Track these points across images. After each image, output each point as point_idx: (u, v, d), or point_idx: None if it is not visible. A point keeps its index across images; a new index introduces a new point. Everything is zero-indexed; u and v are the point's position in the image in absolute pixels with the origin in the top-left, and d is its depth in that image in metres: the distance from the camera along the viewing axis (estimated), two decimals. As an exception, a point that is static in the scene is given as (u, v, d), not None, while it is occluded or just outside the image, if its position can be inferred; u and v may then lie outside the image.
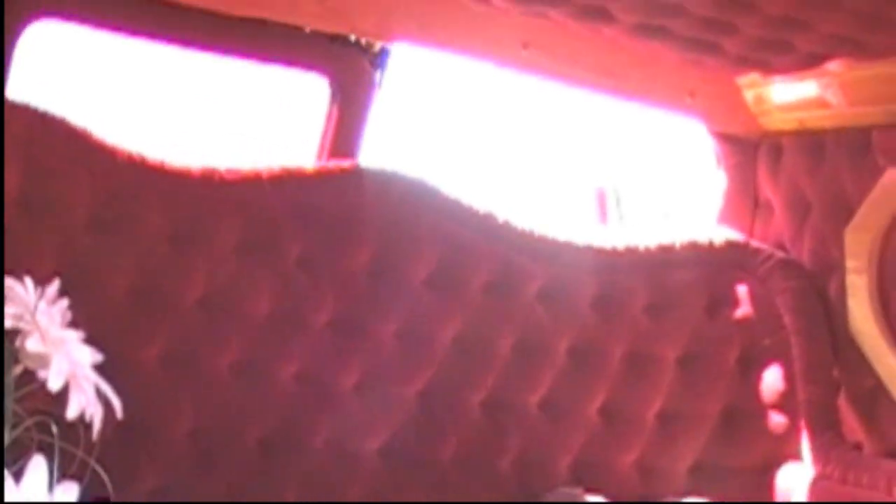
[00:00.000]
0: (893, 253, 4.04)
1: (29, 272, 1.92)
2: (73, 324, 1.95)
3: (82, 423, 1.86)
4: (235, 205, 3.68)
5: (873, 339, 4.07)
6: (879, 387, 4.06)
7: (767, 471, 4.15)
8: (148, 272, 3.56)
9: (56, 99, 3.45)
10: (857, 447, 4.09)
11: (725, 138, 4.41)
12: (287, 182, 3.74)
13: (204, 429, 3.59)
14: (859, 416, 4.12)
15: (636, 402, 4.15)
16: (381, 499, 3.81)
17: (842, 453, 4.02)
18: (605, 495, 3.95)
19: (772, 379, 4.20)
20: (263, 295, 3.68)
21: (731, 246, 4.26)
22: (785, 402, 4.18)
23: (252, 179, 3.70)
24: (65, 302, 1.92)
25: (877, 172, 3.92)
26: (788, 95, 4.12)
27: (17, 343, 1.82)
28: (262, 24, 3.70)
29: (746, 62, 3.86)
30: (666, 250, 4.20)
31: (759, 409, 4.20)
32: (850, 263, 4.09)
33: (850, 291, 4.10)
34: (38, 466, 1.74)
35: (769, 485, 4.14)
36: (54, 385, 1.78)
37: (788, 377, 4.18)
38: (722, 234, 4.31)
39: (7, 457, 1.78)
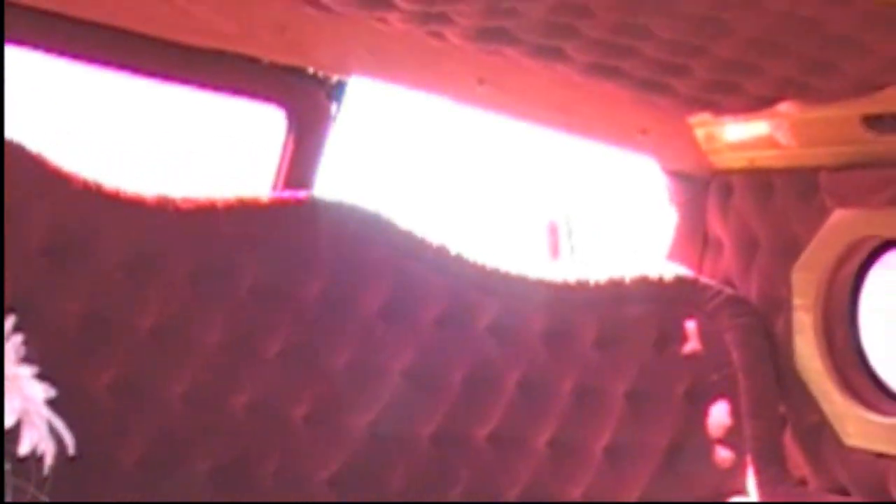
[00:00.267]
0: (839, 292, 4.11)
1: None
2: (27, 358, 1.96)
3: (34, 457, 1.87)
4: (190, 234, 3.67)
5: (819, 375, 4.13)
6: (824, 423, 4.12)
7: (713, 505, 4.20)
8: (101, 300, 3.55)
9: (11, 125, 3.44)
10: (802, 482, 4.15)
11: (676, 175, 4.47)
12: (242, 212, 3.75)
13: (154, 458, 3.58)
14: (804, 452, 4.17)
15: (584, 435, 4.19)
16: (332, 528, 3.82)
17: (787, 488, 4.08)
18: (553, 527, 3.99)
19: (718, 414, 4.25)
20: (216, 324, 3.68)
21: (680, 282, 4.32)
22: (731, 438, 4.24)
23: (207, 209, 3.70)
24: (19, 338, 1.93)
25: (824, 213, 3.99)
26: (739, 134, 4.18)
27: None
28: (219, 54, 3.70)
29: (698, 103, 3.92)
30: (616, 285, 4.25)
31: (705, 444, 4.25)
32: (798, 301, 4.15)
33: (796, 329, 4.17)
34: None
35: (715, 519, 4.20)
36: (7, 422, 1.79)
37: (735, 413, 4.23)
38: (672, 269, 4.36)
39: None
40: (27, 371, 1.89)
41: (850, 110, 3.68)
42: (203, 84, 3.83)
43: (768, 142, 4.07)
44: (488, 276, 4.05)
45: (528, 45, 3.52)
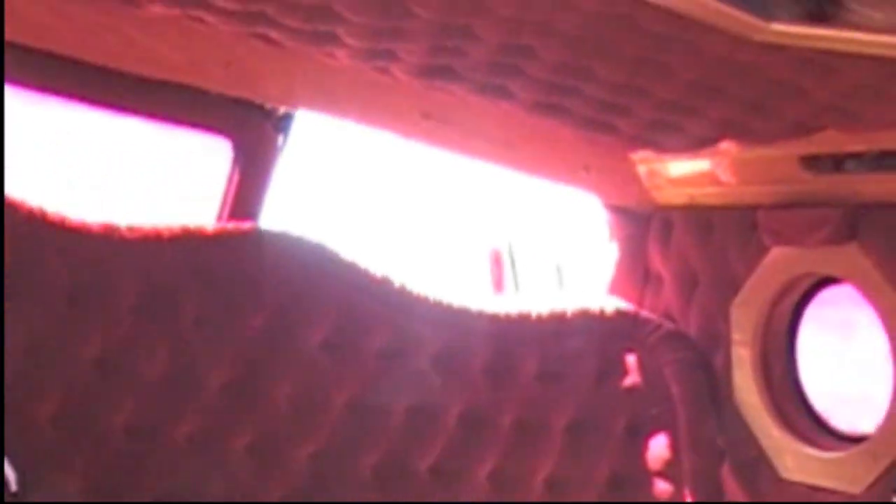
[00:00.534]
0: (777, 327, 4.16)
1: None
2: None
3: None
4: (135, 263, 3.68)
5: (757, 410, 4.18)
6: (762, 457, 4.16)
7: (653, 537, 4.24)
8: (43, 329, 3.54)
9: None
10: (740, 515, 4.19)
11: (618, 211, 4.51)
12: (187, 242, 3.76)
13: (96, 488, 3.56)
14: (742, 486, 4.21)
15: (525, 468, 4.21)
16: (272, 560, 3.82)
17: (725, 521, 4.11)
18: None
19: (658, 447, 4.28)
20: (160, 355, 3.69)
21: (621, 316, 4.35)
22: (670, 471, 4.27)
23: (152, 238, 3.71)
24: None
25: (762, 250, 4.04)
26: (681, 171, 4.22)
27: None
28: (167, 85, 3.71)
29: (640, 141, 3.96)
30: (558, 318, 4.28)
31: (645, 477, 4.28)
32: (736, 336, 4.20)
33: (735, 363, 4.21)
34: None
35: (653, 551, 4.23)
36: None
37: (674, 446, 4.26)
38: (613, 304, 4.39)
39: None
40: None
41: (788, 150, 3.73)
42: (150, 114, 3.84)
43: (709, 178, 4.12)
44: (431, 308, 4.07)
45: (474, 83, 3.56)
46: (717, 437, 4.27)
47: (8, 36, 3.37)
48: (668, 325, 4.36)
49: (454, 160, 4.26)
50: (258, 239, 3.87)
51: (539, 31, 3.00)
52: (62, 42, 3.54)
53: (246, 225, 3.89)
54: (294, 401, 3.87)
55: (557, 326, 4.26)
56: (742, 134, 3.66)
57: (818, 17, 2.62)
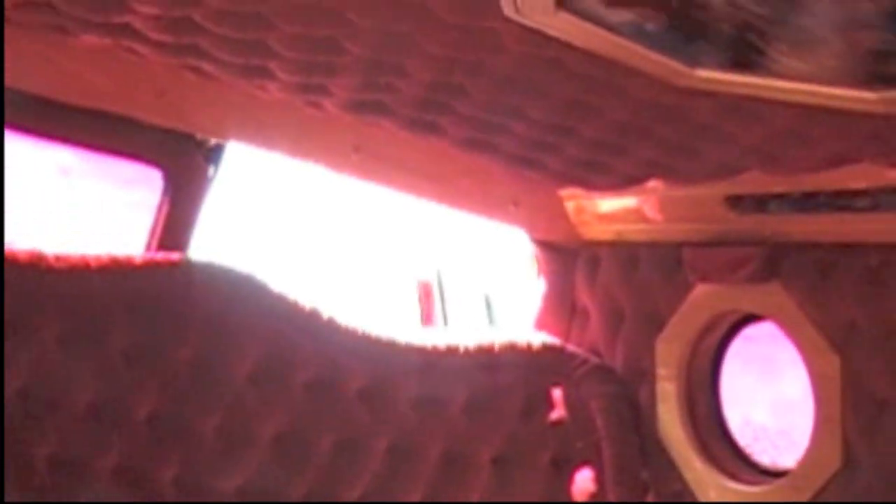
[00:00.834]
0: (701, 363, 4.22)
1: None
2: None
3: None
4: (62, 292, 3.65)
5: (681, 444, 4.23)
6: (686, 490, 4.22)
7: (578, 571, 4.27)
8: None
9: None
10: (664, 549, 4.23)
11: (546, 246, 4.55)
12: (115, 272, 3.73)
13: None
14: (666, 519, 4.26)
15: (452, 500, 4.23)
16: (196, 593, 3.80)
17: (649, 555, 4.15)
18: None
19: (583, 481, 4.32)
20: (85, 386, 3.66)
21: (547, 350, 4.39)
22: (595, 504, 4.31)
23: (80, 267, 3.69)
24: None
25: (687, 287, 4.10)
26: (608, 207, 4.27)
27: None
28: (97, 114, 3.70)
29: (568, 178, 4.00)
30: (485, 352, 4.30)
31: (570, 510, 4.32)
32: (661, 371, 4.25)
33: (660, 398, 4.26)
34: None
35: (579, 584, 4.26)
36: None
37: (599, 479, 4.30)
38: (539, 338, 4.43)
39: None
40: None
41: (714, 190, 3.79)
42: (81, 143, 3.83)
43: (636, 215, 4.17)
44: (359, 341, 4.08)
45: (404, 118, 3.58)
46: (641, 471, 4.31)
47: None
48: (594, 359, 4.40)
49: (384, 193, 4.29)
50: (187, 269, 3.85)
51: (470, 70, 3.03)
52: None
53: (175, 255, 3.87)
54: (221, 433, 3.85)
55: (485, 360, 4.29)
56: (669, 174, 3.71)
57: (743, 64, 2.68)
